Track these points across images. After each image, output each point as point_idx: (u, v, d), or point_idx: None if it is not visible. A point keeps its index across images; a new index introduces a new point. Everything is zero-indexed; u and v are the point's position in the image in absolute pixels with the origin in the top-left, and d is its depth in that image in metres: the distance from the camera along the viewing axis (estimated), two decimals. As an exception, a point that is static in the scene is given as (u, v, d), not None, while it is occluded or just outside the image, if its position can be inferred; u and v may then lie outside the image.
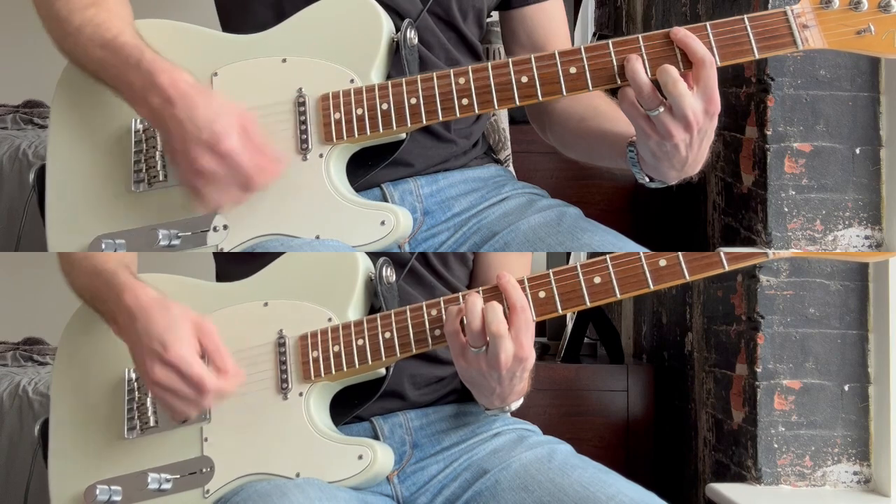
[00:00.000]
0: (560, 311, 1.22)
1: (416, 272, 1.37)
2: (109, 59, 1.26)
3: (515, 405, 1.30)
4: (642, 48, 1.21)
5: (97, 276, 1.31)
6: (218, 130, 1.20)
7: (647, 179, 1.31)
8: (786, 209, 1.77)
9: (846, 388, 1.78)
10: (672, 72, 1.19)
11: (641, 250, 1.23)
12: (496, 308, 1.19)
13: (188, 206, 1.27)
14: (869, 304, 1.78)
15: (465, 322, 1.20)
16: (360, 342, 1.26)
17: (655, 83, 1.20)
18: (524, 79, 1.24)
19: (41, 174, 1.38)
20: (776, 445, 1.77)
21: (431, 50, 1.38)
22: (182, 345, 1.22)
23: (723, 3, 1.99)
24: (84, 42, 1.28)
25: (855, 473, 1.77)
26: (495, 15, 1.52)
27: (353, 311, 1.28)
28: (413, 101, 1.27)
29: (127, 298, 1.26)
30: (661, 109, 1.19)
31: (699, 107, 1.19)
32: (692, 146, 1.22)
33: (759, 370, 1.79)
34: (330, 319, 1.28)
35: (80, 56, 1.30)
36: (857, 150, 1.78)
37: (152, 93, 1.23)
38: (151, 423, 1.32)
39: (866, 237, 1.77)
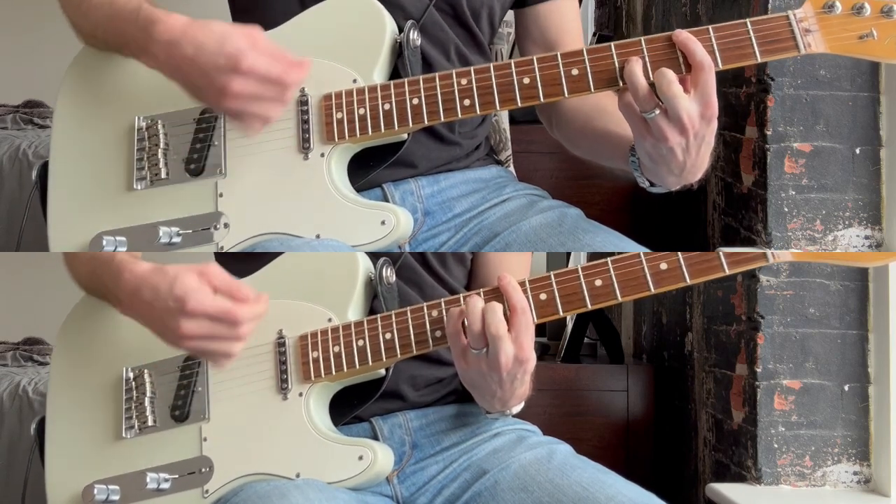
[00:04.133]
0: (561, 314, 1.22)
1: (414, 272, 1.37)
2: (114, 17, 1.28)
3: (516, 409, 1.29)
4: (644, 50, 1.21)
5: (95, 260, 1.32)
6: (232, 52, 1.20)
7: (648, 184, 1.30)
8: (786, 209, 1.77)
9: (846, 388, 1.78)
10: (668, 74, 1.18)
11: (642, 250, 1.23)
12: (496, 309, 1.19)
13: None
14: (869, 304, 1.78)
15: (465, 324, 1.20)
16: (361, 343, 1.26)
17: (654, 86, 1.20)
18: (526, 80, 1.24)
19: (44, 171, 1.39)
20: (776, 445, 1.77)
21: (441, 46, 1.38)
22: (196, 292, 1.21)
23: (723, 3, 1.98)
24: (91, 7, 1.30)
25: (855, 473, 1.77)
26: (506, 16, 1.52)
27: (353, 311, 1.28)
28: (415, 101, 1.27)
29: (125, 276, 1.26)
30: (657, 112, 1.19)
31: (695, 110, 1.18)
32: (689, 151, 1.21)
33: (759, 370, 1.79)
34: (330, 320, 1.28)
35: (89, 25, 1.32)
36: (857, 150, 1.77)
37: (153, 43, 1.23)
38: (150, 423, 1.32)
39: (866, 237, 1.77)
